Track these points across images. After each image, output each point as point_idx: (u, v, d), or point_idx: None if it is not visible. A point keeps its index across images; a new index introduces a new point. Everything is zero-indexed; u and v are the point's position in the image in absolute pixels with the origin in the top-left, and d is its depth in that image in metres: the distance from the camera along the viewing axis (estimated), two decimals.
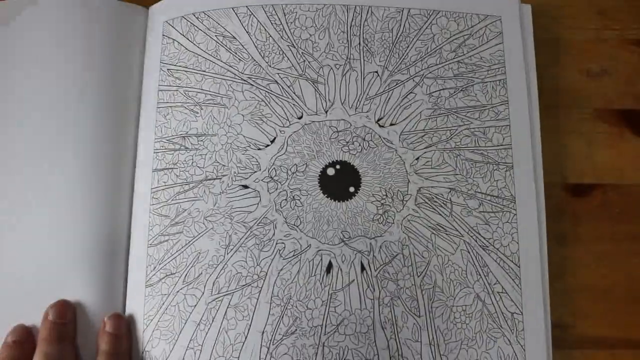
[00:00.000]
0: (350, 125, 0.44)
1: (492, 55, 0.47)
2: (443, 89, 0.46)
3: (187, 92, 0.45)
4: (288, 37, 0.45)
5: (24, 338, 0.41)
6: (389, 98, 0.45)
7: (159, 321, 0.42)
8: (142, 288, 0.42)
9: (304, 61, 0.45)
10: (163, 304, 0.42)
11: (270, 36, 0.45)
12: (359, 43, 0.46)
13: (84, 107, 0.44)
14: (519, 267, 0.43)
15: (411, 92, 0.45)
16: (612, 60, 0.50)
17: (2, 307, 0.42)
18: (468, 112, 0.45)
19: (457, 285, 0.42)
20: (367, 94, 0.45)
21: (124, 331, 0.41)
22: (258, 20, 0.46)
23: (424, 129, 0.45)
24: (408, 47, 0.46)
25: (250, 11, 0.46)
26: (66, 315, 0.41)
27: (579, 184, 0.48)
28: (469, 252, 0.43)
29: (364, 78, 0.45)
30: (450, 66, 0.46)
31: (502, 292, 0.42)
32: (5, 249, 0.42)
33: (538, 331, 0.41)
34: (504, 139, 0.45)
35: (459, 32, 0.47)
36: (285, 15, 0.46)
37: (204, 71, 0.45)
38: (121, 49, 0.46)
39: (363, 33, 0.46)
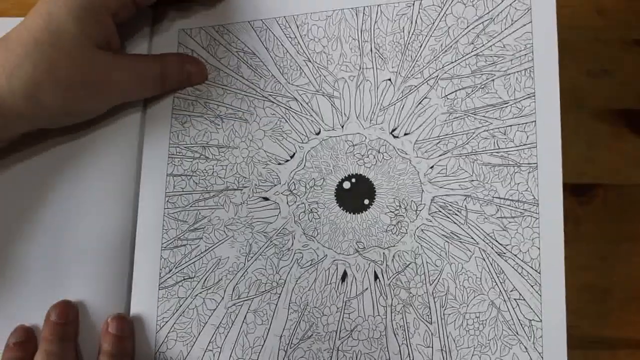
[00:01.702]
0: (365, 138, 0.46)
1: (518, 40, 0.44)
2: (459, 89, 0.44)
3: (207, 104, 0.47)
4: (303, 51, 0.47)
5: (26, 339, 0.42)
6: (403, 106, 0.45)
7: (175, 323, 0.44)
8: (155, 290, 0.44)
9: (320, 76, 0.47)
10: (180, 306, 0.44)
11: (287, 51, 0.47)
12: (371, 49, 0.46)
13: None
14: (539, 273, 0.42)
15: (425, 97, 0.45)
16: (612, 60, 0.51)
17: (5, 306, 0.43)
18: (487, 111, 0.44)
19: (471, 292, 0.43)
20: (381, 105, 0.46)
21: (127, 333, 0.42)
22: (274, 35, 0.48)
23: (438, 136, 0.44)
24: (421, 46, 0.46)
25: (265, 25, 0.48)
26: (68, 316, 0.42)
27: (579, 184, 0.48)
28: (484, 260, 0.43)
29: (377, 87, 0.46)
30: (468, 62, 0.45)
31: (519, 299, 0.42)
32: (9, 249, 0.44)
33: (558, 338, 0.41)
34: (527, 137, 0.43)
35: (477, 18, 0.45)
36: (298, 28, 0.48)
37: (226, 86, 0.48)
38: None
39: (374, 37, 0.46)
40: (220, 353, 0.43)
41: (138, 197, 0.46)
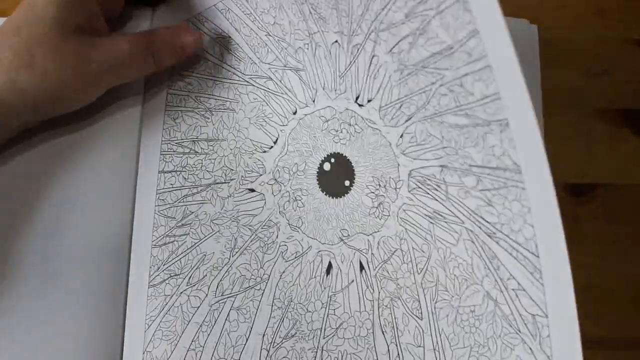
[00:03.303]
0: (335, 111, 0.42)
1: None
2: (401, 40, 0.38)
3: (198, 98, 0.46)
4: (262, 25, 0.44)
5: None
6: (358, 70, 0.40)
7: (161, 322, 0.42)
8: (145, 288, 0.43)
9: (282, 48, 0.44)
10: (166, 304, 0.42)
11: (252, 29, 0.45)
12: (310, 11, 0.42)
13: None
14: (537, 256, 0.33)
15: (374, 55, 0.39)
16: (612, 60, 0.50)
17: (4, 303, 0.42)
18: (436, 61, 0.37)
19: (463, 281, 0.36)
20: (339, 71, 0.41)
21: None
22: (236, 14, 0.45)
23: (398, 98, 0.38)
24: None
25: (226, 5, 0.46)
26: None
27: (579, 184, 0.48)
28: (473, 242, 0.35)
29: (330, 52, 0.42)
30: (397, 4, 0.38)
31: (518, 289, 0.34)
32: (5, 247, 0.43)
33: (570, 337, 0.32)
34: (487, 87, 0.34)
35: None
36: (247, 2, 0.45)
37: (214, 76, 0.46)
38: None
39: None
40: (202, 352, 0.41)
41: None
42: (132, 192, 0.45)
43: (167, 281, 0.43)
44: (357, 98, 0.41)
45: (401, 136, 0.39)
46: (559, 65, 0.50)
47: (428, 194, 0.38)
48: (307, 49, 0.43)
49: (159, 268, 0.43)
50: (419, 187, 0.38)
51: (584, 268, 0.45)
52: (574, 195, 0.47)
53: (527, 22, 0.49)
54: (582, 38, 0.50)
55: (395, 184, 0.39)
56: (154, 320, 0.42)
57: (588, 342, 0.42)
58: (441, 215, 0.37)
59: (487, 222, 0.35)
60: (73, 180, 0.45)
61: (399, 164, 0.39)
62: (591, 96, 0.49)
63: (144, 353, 0.42)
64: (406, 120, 0.39)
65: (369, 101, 0.40)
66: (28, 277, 0.43)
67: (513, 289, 0.34)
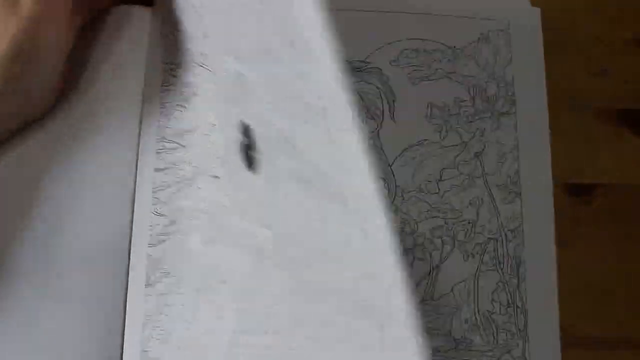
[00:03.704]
0: (231, 74, 0.37)
1: None
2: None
3: (180, 89, 0.45)
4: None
5: None
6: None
7: (156, 322, 0.42)
8: (142, 288, 0.43)
9: (199, 18, 0.41)
10: (159, 304, 0.42)
11: (186, 5, 0.42)
12: None
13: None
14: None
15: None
16: (612, 60, 0.51)
17: (4, 303, 0.42)
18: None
19: None
20: (227, 25, 0.38)
21: None
22: None
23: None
24: None
25: None
26: None
27: (578, 184, 0.48)
28: None
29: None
30: None
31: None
32: (9, 249, 0.43)
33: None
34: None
35: None
36: None
37: (184, 63, 0.44)
38: (122, 48, 0.47)
39: None
40: (198, 351, 0.40)
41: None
42: (131, 193, 0.45)
43: (160, 280, 0.42)
44: (235, 54, 0.37)
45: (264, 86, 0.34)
46: (559, 65, 0.50)
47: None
48: (215, 14, 0.39)
49: (153, 267, 0.43)
50: None
51: (584, 268, 0.46)
52: (574, 195, 0.48)
53: (527, 3, 0.48)
54: (582, 38, 0.51)
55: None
56: (149, 321, 0.42)
57: (588, 342, 0.42)
58: None
59: None
60: (73, 180, 0.45)
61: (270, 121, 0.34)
62: (591, 96, 0.50)
63: (142, 352, 0.41)
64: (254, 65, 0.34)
65: (241, 54, 0.36)
66: (28, 277, 0.43)
67: None
